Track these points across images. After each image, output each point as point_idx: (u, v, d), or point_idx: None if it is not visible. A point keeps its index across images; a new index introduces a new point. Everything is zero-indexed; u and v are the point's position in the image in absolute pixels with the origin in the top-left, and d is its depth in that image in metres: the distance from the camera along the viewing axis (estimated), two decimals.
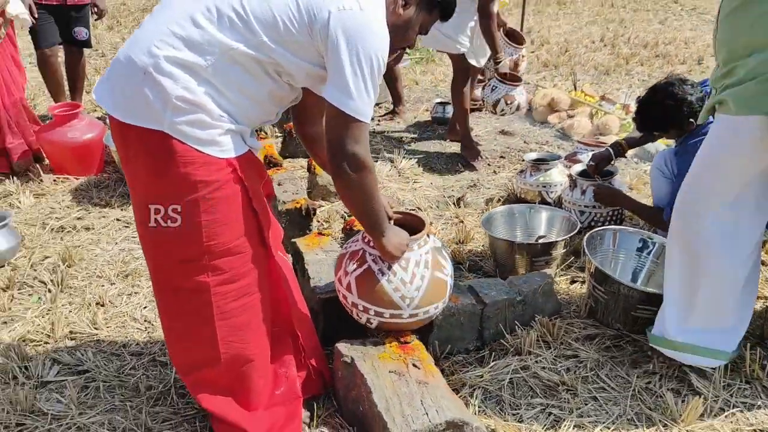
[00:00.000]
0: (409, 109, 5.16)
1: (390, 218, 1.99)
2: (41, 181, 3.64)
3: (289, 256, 2.15)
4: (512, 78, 3.76)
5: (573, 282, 2.63)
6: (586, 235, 2.41)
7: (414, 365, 1.86)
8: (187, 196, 1.48)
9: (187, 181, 1.47)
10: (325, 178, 3.32)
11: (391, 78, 4.69)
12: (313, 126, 1.88)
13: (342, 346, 1.92)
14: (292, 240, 2.56)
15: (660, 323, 2.08)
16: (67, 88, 4.60)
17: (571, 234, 2.62)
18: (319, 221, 3.05)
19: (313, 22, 1.43)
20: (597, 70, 6.27)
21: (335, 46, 1.42)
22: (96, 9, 4.41)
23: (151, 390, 2.05)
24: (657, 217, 2.58)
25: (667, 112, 2.43)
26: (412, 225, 1.98)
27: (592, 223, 2.94)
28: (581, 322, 2.34)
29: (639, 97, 2.59)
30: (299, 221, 2.83)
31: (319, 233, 2.60)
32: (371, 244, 1.87)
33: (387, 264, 1.85)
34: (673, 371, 2.08)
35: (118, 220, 3.24)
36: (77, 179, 3.70)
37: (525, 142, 4.34)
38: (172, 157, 1.44)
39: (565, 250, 2.63)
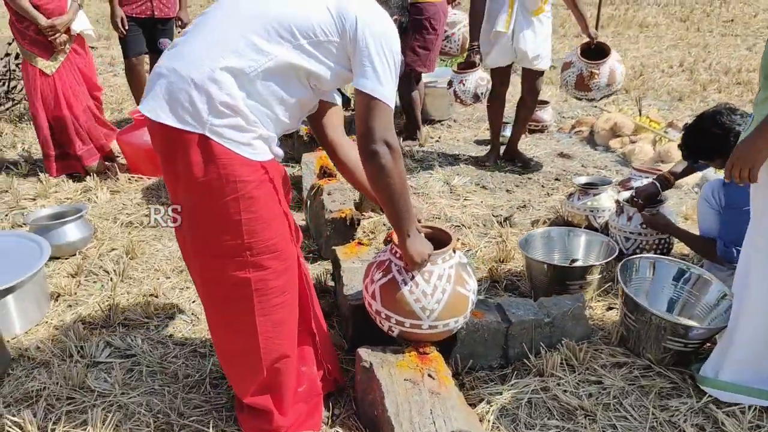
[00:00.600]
0: (470, 127, 5.22)
1: (419, 231, 2.07)
2: (117, 179, 3.94)
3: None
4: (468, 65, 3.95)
5: (609, 309, 2.60)
6: (621, 262, 2.39)
7: (429, 375, 1.92)
8: (229, 195, 1.61)
9: (228, 180, 1.60)
10: None
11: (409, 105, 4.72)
12: (333, 131, 2.03)
13: (363, 351, 2.01)
14: (333, 248, 2.68)
15: (715, 363, 2.06)
16: None
17: (608, 260, 2.60)
18: (364, 232, 3.15)
19: (344, 24, 1.62)
20: (670, 96, 6.10)
21: (365, 44, 1.62)
22: (180, 22, 4.74)
23: (188, 378, 2.20)
24: (709, 249, 2.52)
25: (714, 140, 2.38)
26: (440, 239, 2.05)
27: (638, 251, 2.89)
28: (611, 349, 2.32)
29: (686, 124, 2.55)
30: (344, 230, 2.94)
31: (360, 243, 2.70)
32: (398, 255, 1.95)
33: (410, 275, 1.92)
34: (700, 407, 2.03)
35: None
36: (149, 179, 3.99)
37: (583, 165, 4.30)
38: (211, 159, 1.58)
39: (601, 275, 2.61)
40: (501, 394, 2.11)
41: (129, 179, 3.99)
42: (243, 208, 1.62)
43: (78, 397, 2.10)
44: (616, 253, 2.62)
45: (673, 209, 3.11)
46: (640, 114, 4.79)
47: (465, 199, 3.73)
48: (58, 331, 2.46)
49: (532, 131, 5.01)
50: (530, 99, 4.14)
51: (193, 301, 2.68)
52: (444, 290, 1.93)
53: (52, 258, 3.01)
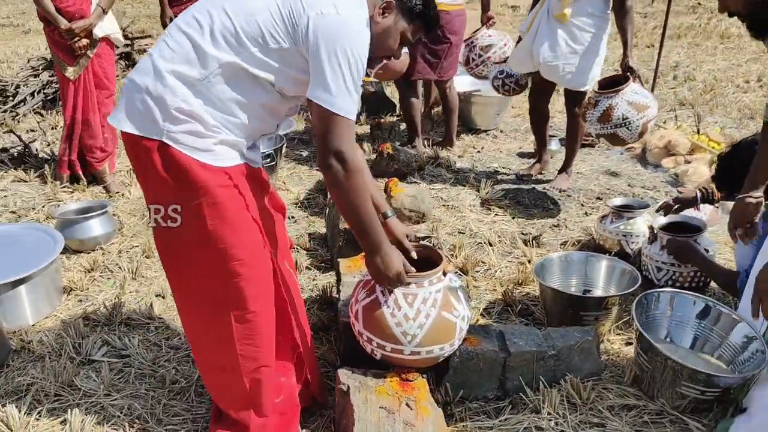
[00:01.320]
0: (516, 138, 5.02)
1: (410, 251, 1.97)
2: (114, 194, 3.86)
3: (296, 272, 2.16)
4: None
5: (628, 344, 2.40)
6: (638, 297, 2.19)
7: (407, 405, 1.81)
8: (192, 201, 1.58)
9: (189, 187, 1.57)
10: (399, 201, 3.32)
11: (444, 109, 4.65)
12: None
13: (342, 373, 1.92)
14: (338, 259, 2.60)
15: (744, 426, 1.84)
16: None
17: (627, 291, 2.39)
18: None
19: (296, 27, 1.52)
20: (741, 113, 5.67)
21: (316, 48, 1.50)
22: None
23: (174, 384, 2.18)
24: (730, 283, 2.28)
25: (748, 171, 2.14)
26: (431, 260, 1.94)
27: (670, 283, 2.66)
28: (621, 389, 2.12)
29: (721, 153, 2.31)
30: (355, 242, 2.82)
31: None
32: None
33: (394, 297, 1.82)
34: None
35: None
36: None
37: (629, 185, 4.04)
38: (171, 165, 1.55)
39: (621, 307, 2.41)
40: (491, 429, 1.96)
41: None
42: (207, 214, 1.58)
43: (64, 395, 2.12)
44: (638, 284, 2.41)
45: (713, 239, 2.84)
46: (698, 132, 4.46)
47: (496, 215, 3.57)
48: (63, 325, 2.49)
49: (581, 146, 4.76)
50: (569, 120, 3.89)
51: None
52: (428, 315, 1.81)
53: (75, 252, 3.08)
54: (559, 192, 3.89)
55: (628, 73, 3.33)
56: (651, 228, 2.79)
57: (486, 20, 4.37)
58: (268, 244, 1.75)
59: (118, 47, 4.18)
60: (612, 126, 3.22)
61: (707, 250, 2.64)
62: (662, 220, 2.80)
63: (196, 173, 1.55)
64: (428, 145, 4.65)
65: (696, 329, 2.21)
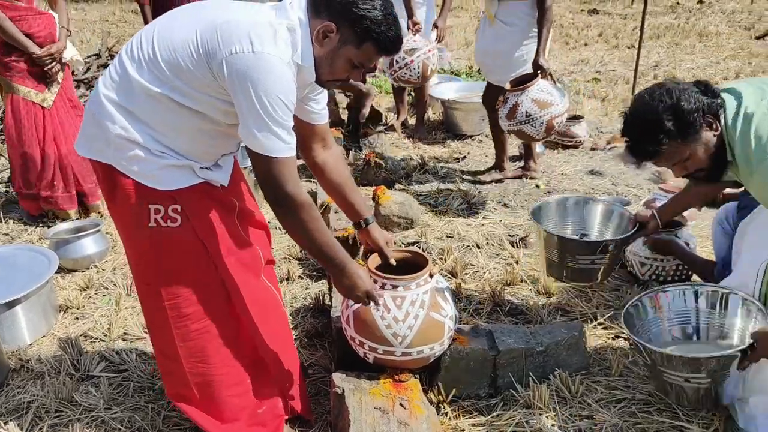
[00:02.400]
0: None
1: (389, 257, 2.02)
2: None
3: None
4: None
5: (616, 338, 2.46)
6: (623, 311, 2.07)
7: (401, 404, 1.86)
8: (139, 224, 1.64)
9: (134, 211, 1.63)
10: (387, 208, 3.39)
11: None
12: (312, 153, 1.94)
13: (337, 377, 1.97)
14: None
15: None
16: None
17: (624, 236, 2.40)
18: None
19: (211, 63, 1.49)
20: None
21: (234, 89, 1.49)
22: None
23: None
24: (707, 272, 2.35)
25: (655, 129, 1.92)
26: (417, 263, 2.00)
27: (654, 276, 2.73)
28: (609, 381, 2.19)
29: (623, 112, 2.35)
30: (347, 250, 2.90)
31: (360, 263, 2.65)
32: (372, 279, 1.91)
33: (383, 300, 1.88)
34: None
35: None
36: None
37: (613, 184, 4.12)
38: (120, 189, 1.62)
39: (614, 251, 2.38)
40: (483, 425, 2.02)
41: None
42: (149, 236, 1.64)
43: (65, 410, 2.15)
44: (633, 230, 2.41)
45: (693, 232, 2.91)
46: None
47: (483, 218, 3.63)
48: (60, 343, 2.52)
49: (565, 147, 4.85)
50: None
51: None
52: (416, 316, 1.87)
53: (70, 271, 3.12)
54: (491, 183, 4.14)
55: (538, 72, 3.48)
56: None
57: (412, 25, 4.41)
58: (225, 264, 1.73)
59: (75, 72, 4.00)
60: (517, 123, 3.43)
61: (688, 244, 2.71)
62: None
63: (142, 198, 1.61)
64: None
65: (696, 319, 2.14)
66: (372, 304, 1.85)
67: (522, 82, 3.47)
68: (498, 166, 4.26)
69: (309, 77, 1.62)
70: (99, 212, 3.73)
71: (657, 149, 1.90)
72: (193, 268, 1.71)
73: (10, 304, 2.49)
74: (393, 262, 2.01)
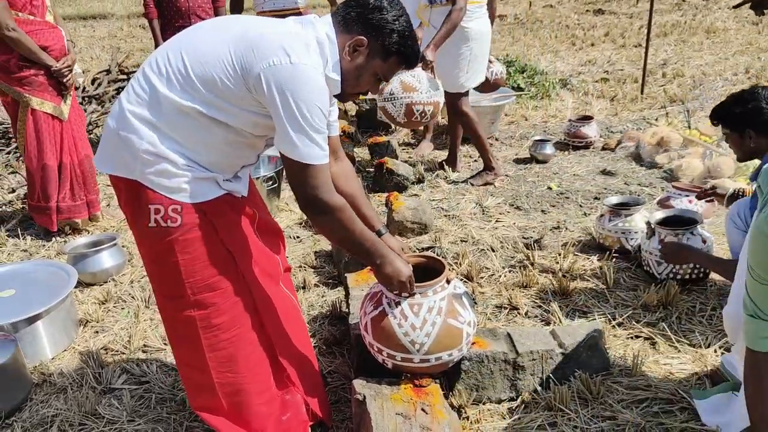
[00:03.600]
0: (512, 145, 5.10)
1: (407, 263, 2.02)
2: None
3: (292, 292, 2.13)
4: None
5: (636, 337, 2.45)
6: None
7: (423, 410, 1.86)
8: (164, 238, 1.64)
9: (160, 225, 1.63)
10: (401, 214, 3.40)
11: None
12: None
13: (357, 383, 1.97)
14: (345, 274, 2.67)
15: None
16: None
17: None
18: None
19: (247, 77, 1.52)
20: None
21: (272, 99, 1.52)
22: None
23: None
24: (728, 269, 2.33)
25: (749, 113, 2.37)
26: (434, 269, 2.00)
27: (670, 275, 2.72)
28: (631, 382, 2.18)
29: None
30: None
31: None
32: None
33: (400, 308, 1.88)
34: None
35: None
36: None
37: (626, 183, 4.11)
38: (146, 203, 1.62)
39: None
40: (505, 429, 2.02)
41: None
42: (178, 249, 1.65)
43: (89, 423, 2.17)
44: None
45: (709, 230, 2.89)
46: (690, 127, 4.54)
47: (497, 221, 3.63)
48: (82, 357, 2.55)
49: (576, 148, 4.85)
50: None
51: None
52: (434, 323, 1.87)
53: (88, 285, 3.15)
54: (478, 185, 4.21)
55: (420, 62, 3.58)
56: (648, 224, 2.85)
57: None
58: (253, 273, 1.78)
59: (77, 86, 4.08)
60: (382, 99, 3.72)
61: (705, 242, 2.70)
62: (658, 215, 2.86)
63: (168, 211, 1.62)
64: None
65: None
66: (390, 311, 1.86)
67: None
68: (487, 167, 4.26)
69: (334, 90, 1.68)
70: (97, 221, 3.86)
71: (739, 112, 2.39)
72: (223, 279, 1.72)
73: (32, 320, 2.52)
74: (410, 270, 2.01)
